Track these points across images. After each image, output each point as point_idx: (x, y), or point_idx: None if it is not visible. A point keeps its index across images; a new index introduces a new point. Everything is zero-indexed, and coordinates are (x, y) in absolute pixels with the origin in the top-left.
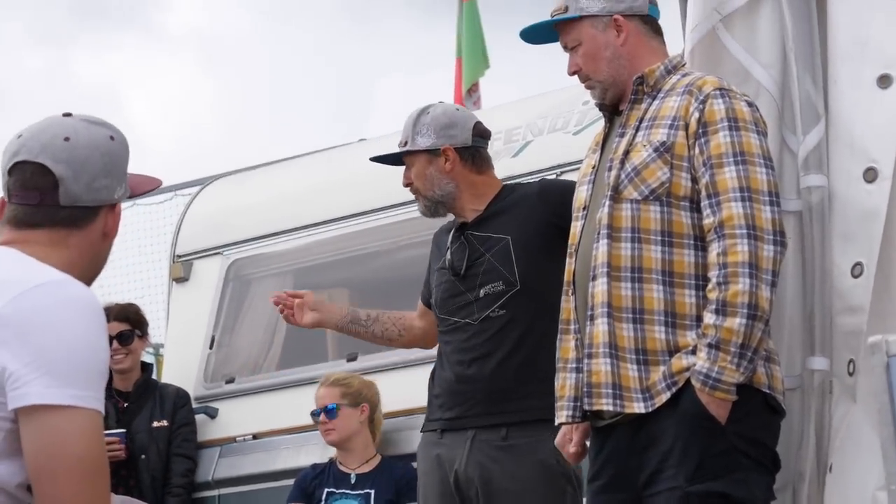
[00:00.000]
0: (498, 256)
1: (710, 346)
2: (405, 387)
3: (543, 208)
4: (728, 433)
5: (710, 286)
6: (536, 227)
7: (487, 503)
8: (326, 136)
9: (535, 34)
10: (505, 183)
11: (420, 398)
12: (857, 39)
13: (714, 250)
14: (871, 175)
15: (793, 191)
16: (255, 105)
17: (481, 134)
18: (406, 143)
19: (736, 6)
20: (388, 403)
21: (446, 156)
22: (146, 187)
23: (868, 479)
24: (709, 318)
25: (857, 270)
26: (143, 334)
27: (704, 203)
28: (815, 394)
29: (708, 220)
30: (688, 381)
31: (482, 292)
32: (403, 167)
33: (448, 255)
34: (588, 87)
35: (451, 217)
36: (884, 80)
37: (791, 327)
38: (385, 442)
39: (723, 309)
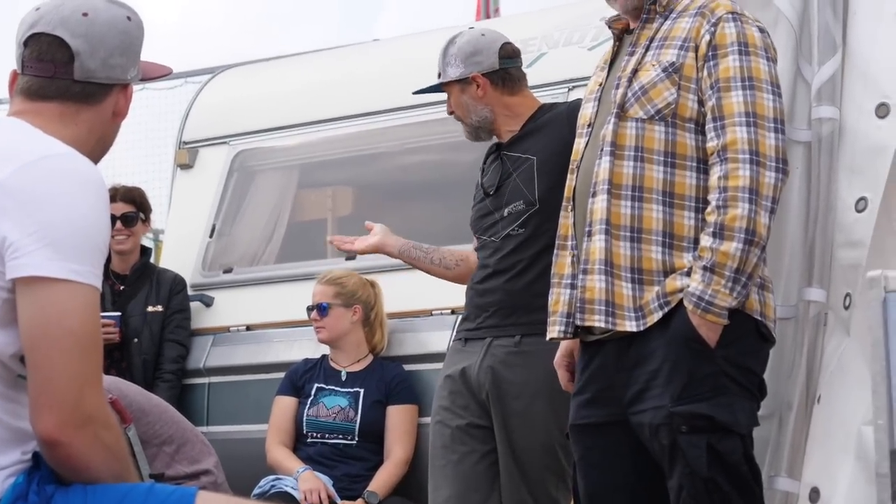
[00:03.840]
0: (523, 176)
1: (704, 268)
2: (402, 288)
3: (570, 129)
4: (717, 357)
5: (709, 209)
6: (561, 147)
7: (497, 407)
8: (337, 35)
9: None
10: (544, 103)
11: (418, 301)
12: None
13: (716, 173)
14: (883, 111)
15: (804, 121)
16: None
17: (509, 55)
18: (440, 75)
19: None
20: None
21: (476, 83)
22: (157, 73)
23: (855, 412)
24: (706, 240)
25: (861, 205)
26: (146, 218)
27: (709, 126)
28: (810, 325)
29: (711, 143)
30: (680, 302)
31: (506, 211)
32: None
33: (482, 176)
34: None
35: (495, 139)
36: None
37: (791, 257)
38: None
39: (720, 232)
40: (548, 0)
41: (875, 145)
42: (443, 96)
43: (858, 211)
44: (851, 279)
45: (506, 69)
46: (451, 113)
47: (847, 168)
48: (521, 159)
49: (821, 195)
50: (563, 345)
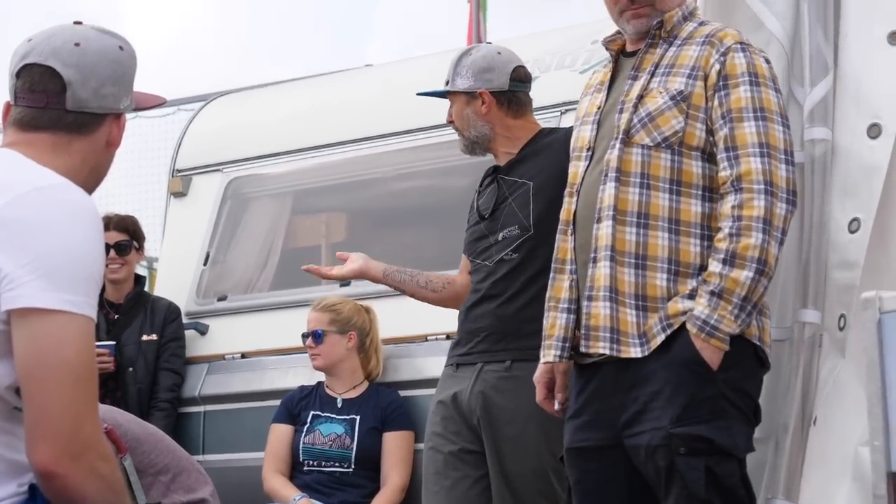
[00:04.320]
0: (518, 201)
1: (712, 293)
2: (397, 314)
3: (567, 155)
4: (718, 380)
5: (720, 236)
6: (558, 172)
7: (488, 432)
8: (327, 61)
9: None
10: (543, 127)
11: (413, 327)
12: None
13: (729, 202)
14: (875, 131)
15: (796, 142)
16: (247, 27)
17: (520, 78)
18: (448, 83)
19: None
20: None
21: (482, 99)
22: (151, 103)
23: (852, 433)
24: (715, 266)
25: (854, 226)
26: (140, 247)
27: (721, 156)
28: (805, 346)
29: (724, 173)
30: (682, 325)
31: (501, 235)
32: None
33: (478, 198)
34: (642, 14)
35: (491, 157)
36: (894, 37)
37: (785, 279)
38: None
39: (731, 260)
40: (539, 24)
41: (867, 166)
42: (440, 120)
43: (852, 232)
44: (846, 300)
45: (514, 92)
46: (449, 122)
47: (840, 189)
48: (517, 184)
49: (814, 216)
50: (545, 364)
